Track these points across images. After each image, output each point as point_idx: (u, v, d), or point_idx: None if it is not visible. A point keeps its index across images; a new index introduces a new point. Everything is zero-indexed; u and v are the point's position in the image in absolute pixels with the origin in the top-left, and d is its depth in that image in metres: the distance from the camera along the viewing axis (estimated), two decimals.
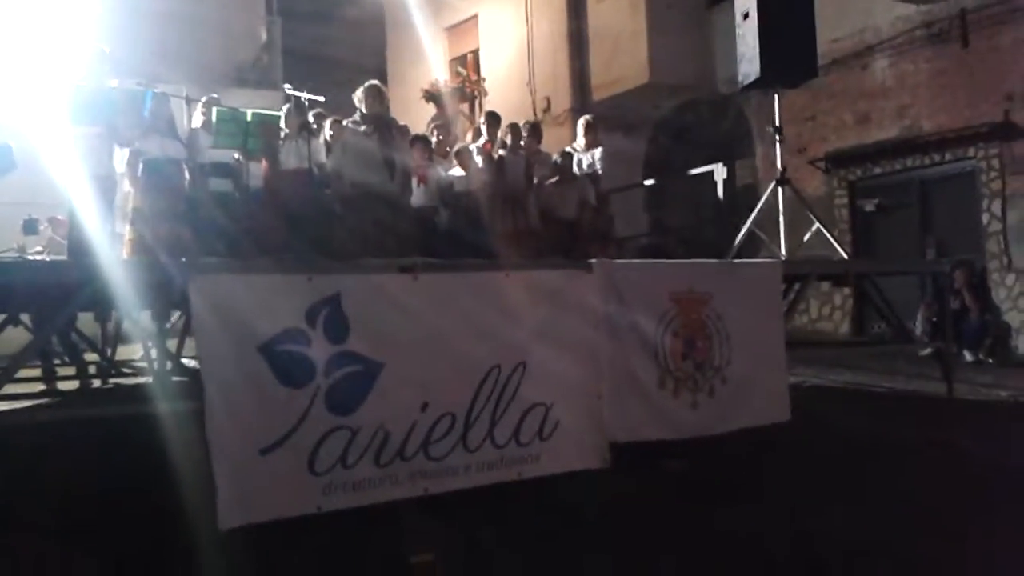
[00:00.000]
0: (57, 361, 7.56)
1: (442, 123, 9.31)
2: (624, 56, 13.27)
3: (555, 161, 8.47)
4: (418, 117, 13.74)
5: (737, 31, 7.69)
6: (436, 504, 4.33)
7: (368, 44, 17.26)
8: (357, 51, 16.79)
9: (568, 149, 8.78)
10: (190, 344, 6.46)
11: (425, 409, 4.40)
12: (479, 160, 8.23)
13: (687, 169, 9.87)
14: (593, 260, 5.18)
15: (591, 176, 8.58)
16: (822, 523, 3.95)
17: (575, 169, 8.54)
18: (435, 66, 15.42)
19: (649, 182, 12.69)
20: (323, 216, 7.09)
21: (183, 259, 4.51)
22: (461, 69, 15.74)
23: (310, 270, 4.43)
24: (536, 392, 4.72)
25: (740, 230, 7.74)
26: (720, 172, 8.42)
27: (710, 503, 4.40)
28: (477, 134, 8.83)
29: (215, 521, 3.76)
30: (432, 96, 14.78)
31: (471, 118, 15.08)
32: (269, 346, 4.08)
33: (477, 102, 15.21)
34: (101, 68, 6.11)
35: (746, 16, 7.53)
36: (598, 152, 8.75)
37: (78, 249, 5.61)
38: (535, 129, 8.79)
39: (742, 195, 11.98)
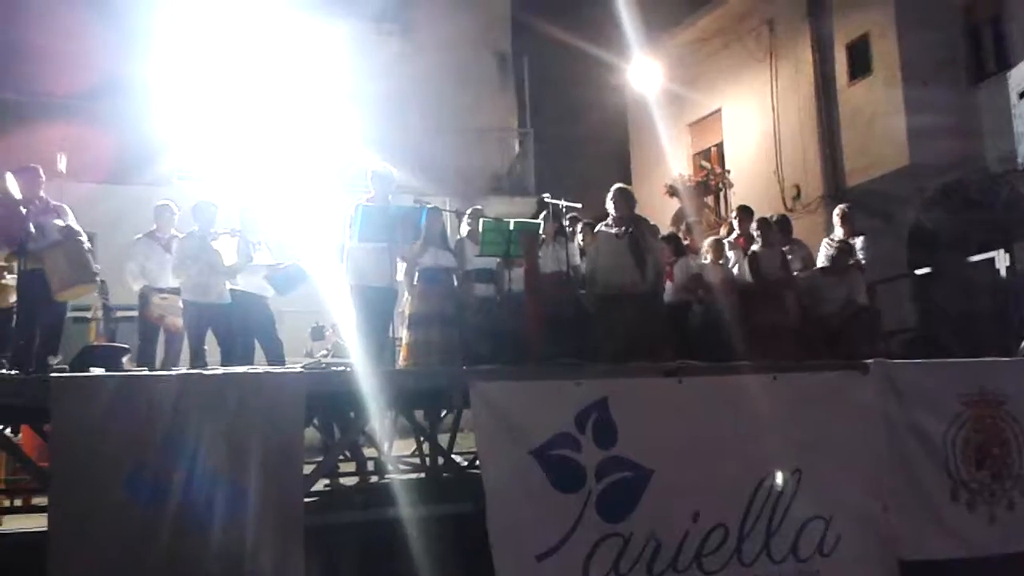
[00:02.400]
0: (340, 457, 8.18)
1: (688, 218, 9.32)
2: (880, 138, 12.67)
3: (830, 254, 8.14)
4: (662, 211, 13.91)
5: (1013, 111, 7.20)
6: None
7: (612, 143, 17.79)
8: (602, 151, 17.35)
9: (831, 239, 8.43)
10: (459, 440, 6.83)
11: (697, 519, 4.33)
12: (732, 255, 8.14)
13: (954, 254, 9.11)
14: (870, 361, 4.91)
15: (855, 267, 8.17)
16: None
17: None
18: (678, 161, 15.55)
19: (923, 271, 11.75)
20: (580, 317, 7.27)
21: (463, 366, 4.78)
22: (705, 163, 15.77)
23: (578, 375, 4.55)
24: (814, 503, 4.51)
25: None
26: (1002, 259, 7.73)
27: None
28: (730, 229, 8.74)
29: None
30: (675, 191, 14.93)
31: (715, 210, 15.01)
32: (542, 451, 4.22)
33: (722, 194, 15.11)
34: (386, 189, 6.76)
35: (1023, 96, 7.03)
36: (859, 241, 8.34)
37: (361, 355, 6.12)
38: (784, 223, 8.57)
39: (1021, 281, 10.84)
